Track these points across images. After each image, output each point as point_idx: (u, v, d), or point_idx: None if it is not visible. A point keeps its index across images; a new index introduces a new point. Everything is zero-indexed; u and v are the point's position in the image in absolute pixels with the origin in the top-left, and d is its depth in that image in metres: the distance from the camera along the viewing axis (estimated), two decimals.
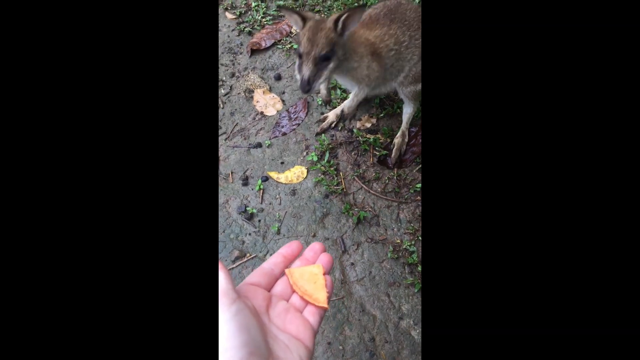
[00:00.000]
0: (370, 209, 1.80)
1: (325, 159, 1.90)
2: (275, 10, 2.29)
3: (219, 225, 1.77)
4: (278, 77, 2.10)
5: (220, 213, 1.79)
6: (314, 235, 1.74)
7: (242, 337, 0.48)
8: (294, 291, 0.66)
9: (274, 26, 2.24)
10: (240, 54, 2.18)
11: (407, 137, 1.91)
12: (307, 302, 0.65)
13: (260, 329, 0.53)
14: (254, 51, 2.17)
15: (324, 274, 0.69)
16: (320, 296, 0.66)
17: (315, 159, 1.90)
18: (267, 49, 2.18)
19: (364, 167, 1.90)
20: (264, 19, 2.26)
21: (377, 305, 1.60)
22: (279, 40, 2.20)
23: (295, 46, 2.17)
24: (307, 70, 1.28)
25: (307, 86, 1.29)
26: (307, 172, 1.88)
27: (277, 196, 1.83)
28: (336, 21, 1.27)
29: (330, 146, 1.94)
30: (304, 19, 1.31)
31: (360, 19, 1.34)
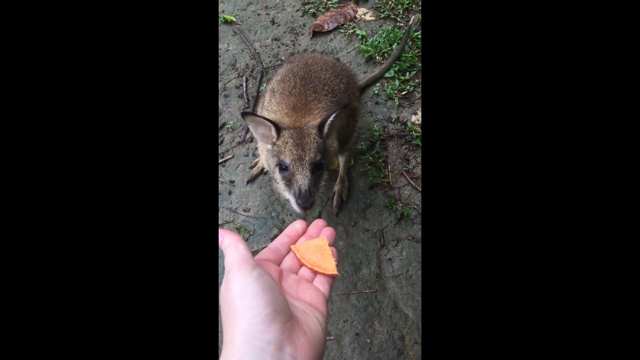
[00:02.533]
0: (415, 207, 1.74)
1: (375, 149, 1.86)
2: None
3: (262, 202, 1.79)
4: None
5: (264, 190, 1.81)
6: (354, 225, 1.72)
7: (267, 297, 0.51)
8: (302, 265, 0.69)
9: (339, 9, 2.20)
10: (302, 35, 2.17)
11: (346, 182, 1.72)
12: (316, 273, 0.68)
13: (281, 292, 0.56)
14: (316, 33, 2.15)
15: (329, 245, 0.72)
16: (329, 265, 0.68)
17: (364, 148, 1.86)
18: (329, 32, 2.15)
19: (414, 163, 1.84)
20: (329, 2, 2.23)
21: (410, 305, 1.55)
22: (342, 25, 2.16)
23: (358, 31, 2.13)
24: (305, 180, 0.99)
25: (311, 198, 0.99)
26: (354, 160, 1.85)
27: (321, 181, 1.82)
28: (321, 126, 1.07)
29: (381, 137, 1.89)
30: (279, 129, 1.07)
31: (341, 121, 1.11)
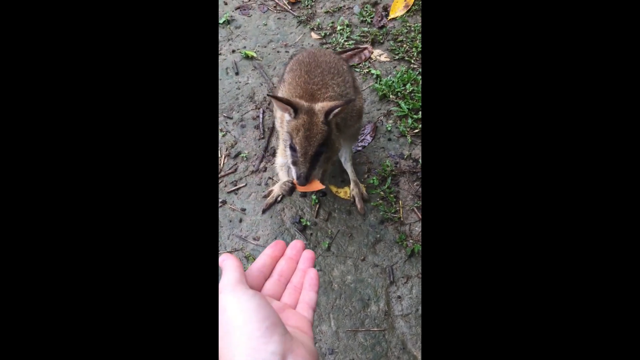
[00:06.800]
0: None
1: (386, 184, 1.87)
2: (358, 36, 2.36)
3: (272, 231, 1.79)
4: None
5: (275, 220, 1.81)
6: (364, 259, 1.70)
7: (264, 312, 0.53)
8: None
9: (355, 50, 2.31)
10: None
11: (360, 184, 1.82)
12: (297, 299, 0.69)
13: (274, 310, 0.57)
14: None
15: (311, 267, 0.74)
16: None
17: (376, 182, 1.88)
18: None
19: None
20: (346, 43, 2.34)
21: (419, 346, 1.49)
22: (358, 64, 2.25)
23: (373, 71, 2.21)
24: (304, 168, 1.33)
25: (305, 181, 1.35)
26: (367, 189, 1.86)
27: (332, 213, 1.82)
28: (327, 114, 1.31)
29: (393, 173, 1.91)
30: (296, 109, 1.32)
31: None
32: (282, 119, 1.47)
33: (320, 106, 1.35)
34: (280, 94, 1.57)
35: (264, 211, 1.82)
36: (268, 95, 1.40)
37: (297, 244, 0.77)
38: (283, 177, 1.60)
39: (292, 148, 1.35)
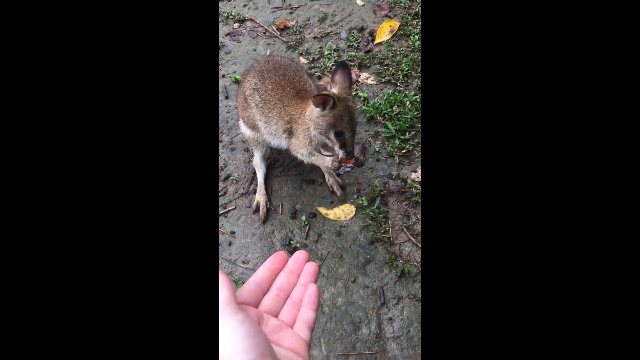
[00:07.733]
0: (416, 264, 1.72)
1: (376, 205, 1.88)
2: (346, 60, 2.42)
3: (262, 254, 1.77)
4: None
5: (264, 242, 1.81)
6: (354, 281, 1.69)
7: (251, 341, 0.51)
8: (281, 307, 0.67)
9: None
10: None
11: (333, 173, 1.94)
12: (298, 308, 0.66)
13: (265, 336, 0.54)
14: None
15: (313, 283, 0.70)
16: None
17: (365, 203, 1.89)
18: None
19: (414, 219, 1.85)
20: (334, 66, 2.39)
21: None
22: None
23: (360, 93, 2.26)
24: (352, 145, 1.54)
25: (354, 154, 1.57)
26: (356, 210, 1.87)
27: (322, 235, 1.82)
28: (350, 86, 1.57)
29: (382, 193, 1.92)
30: (334, 100, 1.47)
31: None
32: (301, 118, 1.59)
33: (338, 91, 1.53)
34: (257, 105, 1.70)
35: (264, 222, 1.84)
36: (317, 95, 1.43)
37: (299, 255, 0.72)
38: (319, 160, 1.67)
39: (339, 133, 1.49)
